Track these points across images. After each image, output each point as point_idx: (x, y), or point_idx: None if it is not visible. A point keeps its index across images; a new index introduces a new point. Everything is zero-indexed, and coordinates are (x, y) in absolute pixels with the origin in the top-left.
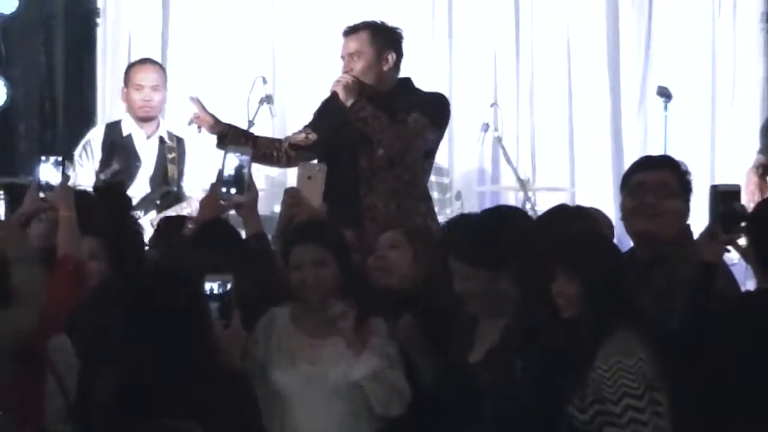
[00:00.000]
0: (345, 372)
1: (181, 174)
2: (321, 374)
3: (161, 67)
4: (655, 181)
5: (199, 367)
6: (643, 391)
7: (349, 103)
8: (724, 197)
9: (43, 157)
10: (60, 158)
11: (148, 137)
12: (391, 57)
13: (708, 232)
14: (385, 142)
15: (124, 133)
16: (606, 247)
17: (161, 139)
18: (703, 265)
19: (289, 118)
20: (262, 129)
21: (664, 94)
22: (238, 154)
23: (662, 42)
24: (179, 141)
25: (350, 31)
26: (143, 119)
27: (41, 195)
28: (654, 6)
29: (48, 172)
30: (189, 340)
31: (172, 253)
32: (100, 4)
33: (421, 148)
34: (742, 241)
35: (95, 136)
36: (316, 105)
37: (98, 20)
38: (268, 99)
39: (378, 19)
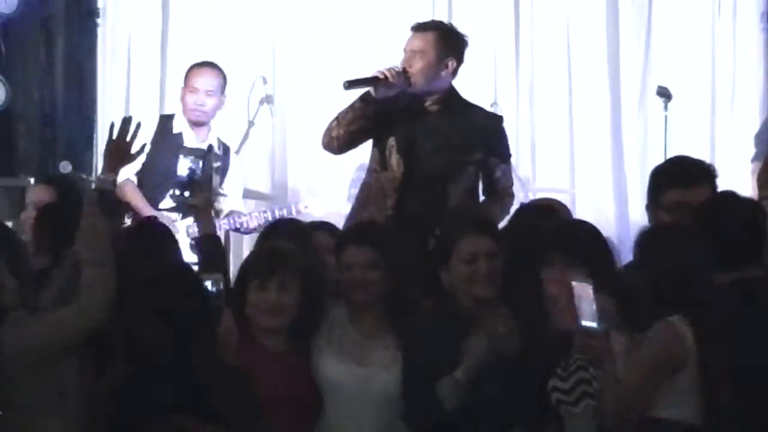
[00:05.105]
0: (392, 377)
1: (221, 183)
2: (367, 376)
3: (221, 72)
4: (699, 202)
5: (203, 365)
6: None
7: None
8: None
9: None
10: None
11: (199, 143)
12: (452, 63)
13: None
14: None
15: (175, 131)
16: (602, 237)
17: (209, 148)
18: None
19: (289, 118)
20: (262, 129)
21: (664, 94)
22: (190, 158)
23: (662, 42)
24: (226, 149)
25: (418, 28)
26: (195, 123)
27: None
28: (654, 6)
29: None
30: (190, 338)
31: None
32: (100, 4)
33: None
34: None
35: (146, 126)
36: (316, 105)
37: (98, 20)
38: (268, 99)
39: (447, 21)
